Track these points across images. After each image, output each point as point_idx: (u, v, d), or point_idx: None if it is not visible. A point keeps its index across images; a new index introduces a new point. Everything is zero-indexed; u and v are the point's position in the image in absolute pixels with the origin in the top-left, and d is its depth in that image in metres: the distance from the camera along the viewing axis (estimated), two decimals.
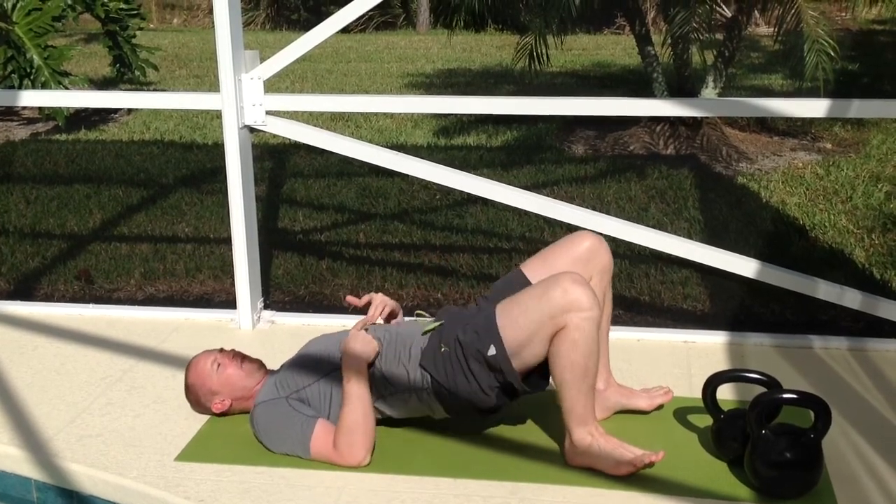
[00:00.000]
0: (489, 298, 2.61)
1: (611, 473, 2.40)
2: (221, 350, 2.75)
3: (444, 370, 2.46)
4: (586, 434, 2.41)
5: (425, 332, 2.56)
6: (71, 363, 3.19)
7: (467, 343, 2.44)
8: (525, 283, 2.58)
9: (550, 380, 2.45)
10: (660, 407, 2.76)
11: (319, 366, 2.61)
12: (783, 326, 3.52)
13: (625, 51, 11.66)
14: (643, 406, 2.74)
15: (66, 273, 4.38)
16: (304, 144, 3.54)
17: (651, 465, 2.36)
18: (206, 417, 2.75)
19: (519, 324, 2.38)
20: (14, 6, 7.29)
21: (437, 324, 2.58)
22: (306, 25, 12.88)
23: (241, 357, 2.72)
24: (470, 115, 7.52)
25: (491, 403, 2.48)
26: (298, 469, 2.48)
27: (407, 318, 2.79)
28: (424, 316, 2.70)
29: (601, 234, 2.74)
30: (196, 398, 2.74)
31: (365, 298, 2.72)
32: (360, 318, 2.64)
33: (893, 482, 2.40)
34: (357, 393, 2.47)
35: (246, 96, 3.30)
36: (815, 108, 3.18)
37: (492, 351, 2.40)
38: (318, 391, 2.57)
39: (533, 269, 2.63)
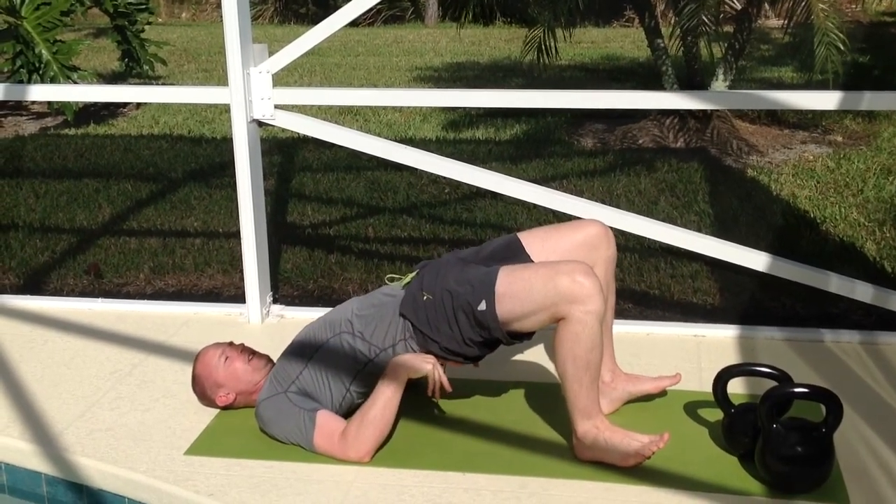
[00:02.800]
0: (482, 257, 2.59)
1: (620, 465, 2.38)
2: (231, 343, 2.75)
3: (425, 316, 2.46)
4: (591, 427, 2.40)
5: (404, 286, 2.58)
6: (80, 357, 3.19)
7: (459, 293, 2.43)
8: (524, 254, 2.57)
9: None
10: (664, 393, 2.75)
11: (304, 350, 2.62)
12: (794, 320, 3.50)
13: (634, 44, 11.61)
14: (650, 389, 2.72)
15: (75, 267, 4.39)
16: (312, 138, 3.54)
17: (659, 449, 2.34)
18: (215, 412, 2.75)
19: (519, 297, 2.37)
20: (23, 1, 7.29)
21: (413, 274, 2.59)
22: (314, 19, 12.86)
23: (249, 352, 2.72)
24: (478, 108, 7.50)
25: (472, 354, 2.49)
26: (308, 463, 2.48)
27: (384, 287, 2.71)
28: (397, 278, 2.67)
29: (610, 227, 2.73)
30: (202, 389, 2.74)
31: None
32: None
33: None
34: (388, 395, 2.47)
35: (254, 90, 3.29)
36: (826, 100, 3.16)
37: (482, 306, 2.38)
38: (311, 376, 2.57)
39: (532, 242, 2.61)
